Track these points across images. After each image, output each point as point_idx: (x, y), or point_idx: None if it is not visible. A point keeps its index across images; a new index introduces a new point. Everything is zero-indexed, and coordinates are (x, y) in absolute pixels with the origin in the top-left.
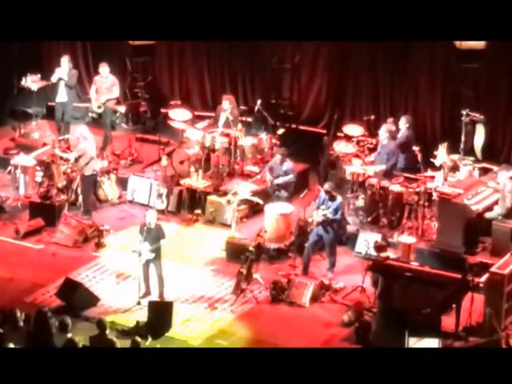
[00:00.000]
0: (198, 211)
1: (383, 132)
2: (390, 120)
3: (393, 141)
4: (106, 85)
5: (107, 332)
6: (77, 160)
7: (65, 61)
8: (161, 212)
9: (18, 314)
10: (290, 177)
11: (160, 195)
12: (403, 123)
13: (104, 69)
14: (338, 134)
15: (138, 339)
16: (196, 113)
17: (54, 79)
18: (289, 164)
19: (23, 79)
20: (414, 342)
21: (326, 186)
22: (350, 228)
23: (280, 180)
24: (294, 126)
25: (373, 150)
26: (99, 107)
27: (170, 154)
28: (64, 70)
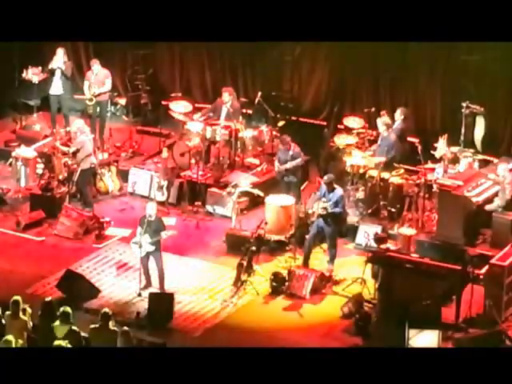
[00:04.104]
0: (199, 203)
1: (381, 125)
2: (383, 112)
3: (393, 133)
4: (99, 78)
5: (110, 324)
6: (74, 154)
7: (60, 52)
8: (161, 204)
9: (21, 304)
10: (298, 160)
11: (161, 187)
12: (398, 115)
13: (96, 66)
14: (339, 126)
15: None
16: (197, 105)
17: (51, 65)
18: (295, 148)
19: (24, 71)
20: (414, 334)
21: (326, 178)
22: (351, 220)
23: (288, 164)
24: (294, 118)
25: (373, 142)
26: (90, 100)
27: (170, 146)
28: (60, 60)
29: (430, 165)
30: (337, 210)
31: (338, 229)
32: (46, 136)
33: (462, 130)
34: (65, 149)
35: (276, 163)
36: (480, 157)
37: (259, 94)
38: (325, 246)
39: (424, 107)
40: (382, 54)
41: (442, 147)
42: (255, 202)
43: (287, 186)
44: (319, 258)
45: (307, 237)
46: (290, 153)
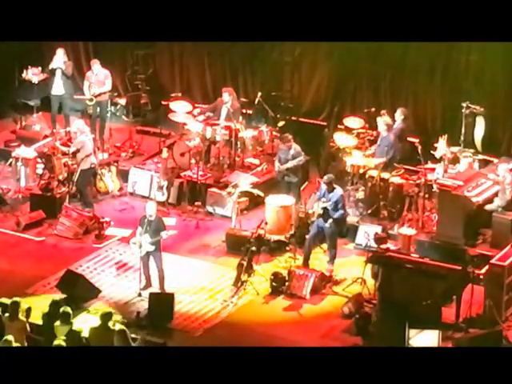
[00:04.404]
0: (199, 203)
1: (381, 125)
2: (384, 112)
3: (392, 133)
4: (99, 78)
5: (109, 324)
6: (74, 154)
7: (60, 52)
8: (161, 204)
9: (20, 305)
10: (300, 159)
11: (161, 187)
12: (398, 115)
13: (96, 66)
14: (339, 127)
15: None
16: (197, 105)
17: (52, 66)
18: (296, 147)
19: (24, 71)
20: (414, 334)
21: (326, 177)
22: (351, 220)
23: (289, 164)
24: (294, 118)
25: (373, 142)
26: (91, 100)
27: (170, 146)
28: (60, 60)
29: (430, 165)
30: (337, 214)
31: (338, 229)
32: (45, 136)
33: (462, 130)
34: (65, 149)
35: (276, 163)
36: (480, 157)
37: (259, 94)
38: (325, 246)
39: (424, 107)
40: (382, 54)
41: (442, 147)
42: (255, 202)
43: (287, 186)
44: (319, 258)
45: (307, 237)
46: (291, 152)
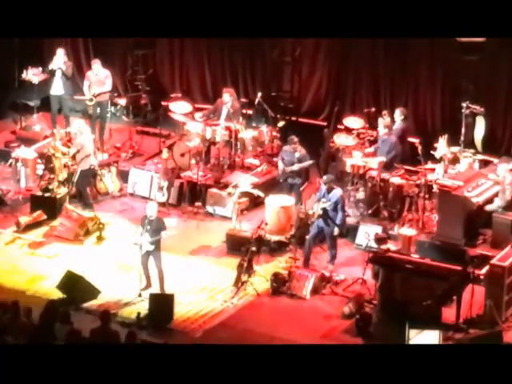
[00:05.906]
0: (199, 204)
1: (381, 128)
2: (385, 112)
3: (392, 134)
4: (99, 78)
5: (110, 324)
6: (74, 155)
7: (60, 52)
8: (162, 204)
9: (21, 306)
10: (307, 163)
11: (161, 188)
12: (398, 115)
13: (96, 65)
14: (339, 127)
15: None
16: (197, 105)
17: (51, 66)
18: (301, 150)
19: (24, 72)
20: (414, 334)
21: (325, 178)
22: (351, 220)
23: (295, 166)
24: (294, 118)
25: (373, 142)
26: (91, 100)
27: (170, 147)
28: (60, 60)
29: (430, 165)
30: (338, 219)
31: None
32: (46, 136)
33: (462, 130)
34: (65, 149)
35: (280, 164)
36: (480, 157)
37: (259, 94)
38: (325, 246)
39: (424, 107)
40: (381, 53)
41: (442, 147)
42: (255, 203)
43: (290, 188)
44: (319, 259)
45: (307, 237)
46: (297, 155)
